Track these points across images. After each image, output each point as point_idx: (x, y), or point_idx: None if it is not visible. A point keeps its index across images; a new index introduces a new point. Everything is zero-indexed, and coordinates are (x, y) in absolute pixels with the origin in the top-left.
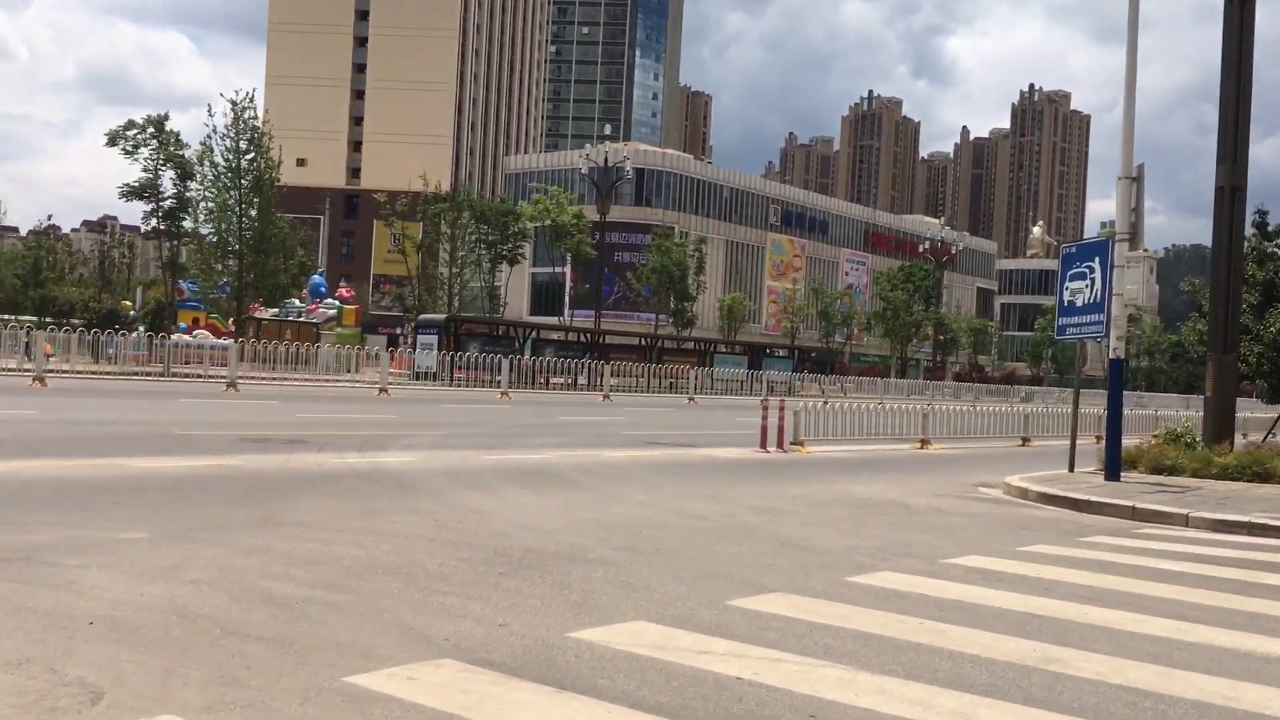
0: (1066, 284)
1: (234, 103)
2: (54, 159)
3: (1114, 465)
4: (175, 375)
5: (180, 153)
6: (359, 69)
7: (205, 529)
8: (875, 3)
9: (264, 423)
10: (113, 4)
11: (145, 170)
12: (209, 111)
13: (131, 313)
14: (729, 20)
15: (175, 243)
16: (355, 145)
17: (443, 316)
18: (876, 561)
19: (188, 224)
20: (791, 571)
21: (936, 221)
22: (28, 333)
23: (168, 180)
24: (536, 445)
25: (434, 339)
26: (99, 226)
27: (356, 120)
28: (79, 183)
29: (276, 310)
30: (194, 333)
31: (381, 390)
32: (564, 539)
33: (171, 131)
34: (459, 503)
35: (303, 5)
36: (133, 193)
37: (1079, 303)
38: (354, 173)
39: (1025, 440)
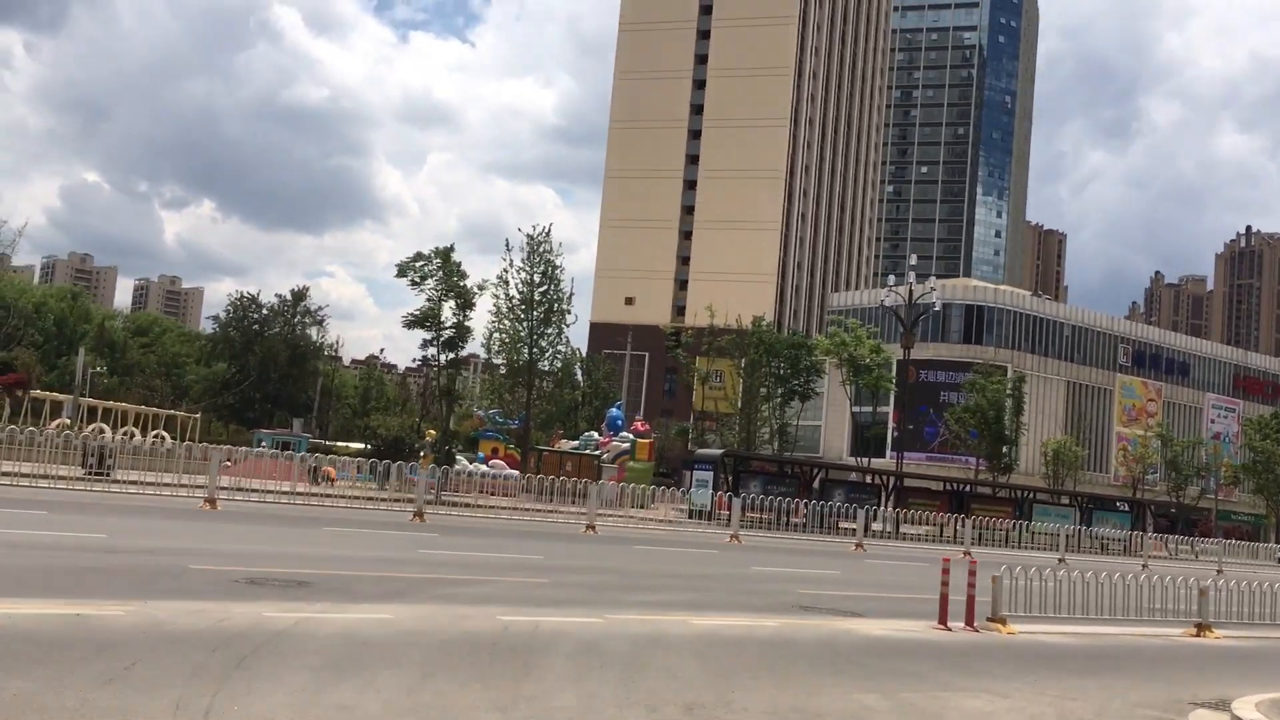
0: None
1: (530, 236)
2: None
3: None
4: (450, 504)
5: (462, 283)
6: (688, 210)
7: None
8: (1254, 134)
9: (357, 559)
10: (491, 164)
11: (429, 300)
12: (506, 246)
13: (427, 442)
14: (1089, 158)
15: (452, 372)
16: (681, 284)
17: (719, 452)
18: None
19: (480, 354)
20: None
21: None
22: (314, 458)
23: (448, 310)
24: (626, 604)
25: (709, 475)
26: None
27: (684, 260)
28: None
29: (577, 443)
30: (490, 463)
31: (589, 528)
32: None
33: (455, 262)
34: (207, 705)
35: (637, 152)
36: (415, 322)
37: None
38: (679, 310)
39: None
